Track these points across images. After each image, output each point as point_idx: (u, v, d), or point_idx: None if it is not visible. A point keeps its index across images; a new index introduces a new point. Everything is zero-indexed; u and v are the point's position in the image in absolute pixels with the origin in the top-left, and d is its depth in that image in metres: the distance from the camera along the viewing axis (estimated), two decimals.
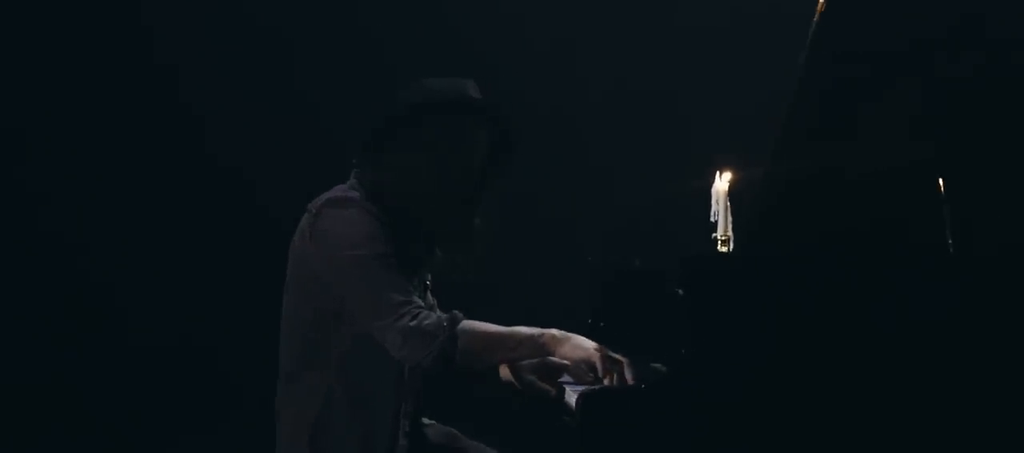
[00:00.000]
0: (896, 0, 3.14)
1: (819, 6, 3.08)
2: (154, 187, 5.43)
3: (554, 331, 3.11)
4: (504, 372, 3.22)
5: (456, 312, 3.07)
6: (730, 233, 3.38)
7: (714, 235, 3.38)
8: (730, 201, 3.38)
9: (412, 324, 2.95)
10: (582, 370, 3.21)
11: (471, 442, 3.41)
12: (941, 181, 3.06)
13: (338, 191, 3.16)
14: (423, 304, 3.06)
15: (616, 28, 5.37)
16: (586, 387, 3.03)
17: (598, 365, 3.06)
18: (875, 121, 3.15)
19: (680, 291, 3.03)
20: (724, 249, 3.38)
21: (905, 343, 2.92)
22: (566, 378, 3.30)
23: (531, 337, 3.08)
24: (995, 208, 3.09)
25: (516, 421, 3.72)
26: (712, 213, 3.39)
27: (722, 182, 3.37)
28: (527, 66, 5.33)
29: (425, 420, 3.38)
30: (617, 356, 3.09)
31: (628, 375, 3.05)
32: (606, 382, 3.03)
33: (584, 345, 3.09)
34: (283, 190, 3.98)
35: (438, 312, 3.08)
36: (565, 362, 3.15)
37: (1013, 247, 3.02)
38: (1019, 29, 3.13)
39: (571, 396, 3.11)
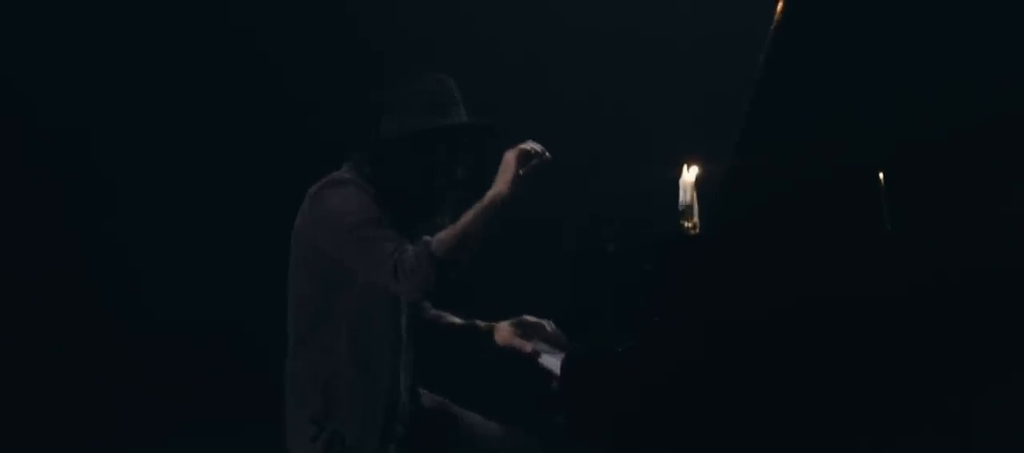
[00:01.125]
0: (849, 5, 3.33)
1: (777, 11, 3.29)
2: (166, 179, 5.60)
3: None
4: (501, 334, 3.51)
5: (424, 238, 3.32)
6: (697, 220, 3.56)
7: (682, 222, 3.55)
8: (697, 191, 3.57)
9: (402, 266, 3.22)
10: (558, 336, 3.52)
11: (460, 409, 3.69)
12: (881, 175, 3.28)
13: (335, 175, 3.47)
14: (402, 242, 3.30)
15: (591, 31, 5.57)
16: (567, 353, 3.32)
17: (521, 158, 3.35)
18: (826, 118, 3.35)
19: (651, 268, 3.31)
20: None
21: (846, 314, 3.16)
22: (542, 345, 3.59)
23: (481, 204, 3.34)
24: (930, 201, 3.29)
25: (500, 391, 3.95)
26: (680, 202, 3.56)
27: (689, 174, 3.57)
28: (502, 61, 5.51)
29: (420, 390, 3.67)
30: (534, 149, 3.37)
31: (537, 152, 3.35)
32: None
33: (506, 164, 3.35)
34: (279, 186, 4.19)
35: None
36: (543, 322, 3.47)
37: (948, 239, 3.23)
38: (964, 33, 3.33)
39: (549, 360, 3.40)
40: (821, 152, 3.34)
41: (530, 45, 5.57)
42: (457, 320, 3.71)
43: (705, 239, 3.48)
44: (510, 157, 3.33)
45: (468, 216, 3.31)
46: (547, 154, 3.35)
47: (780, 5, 3.29)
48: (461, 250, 3.26)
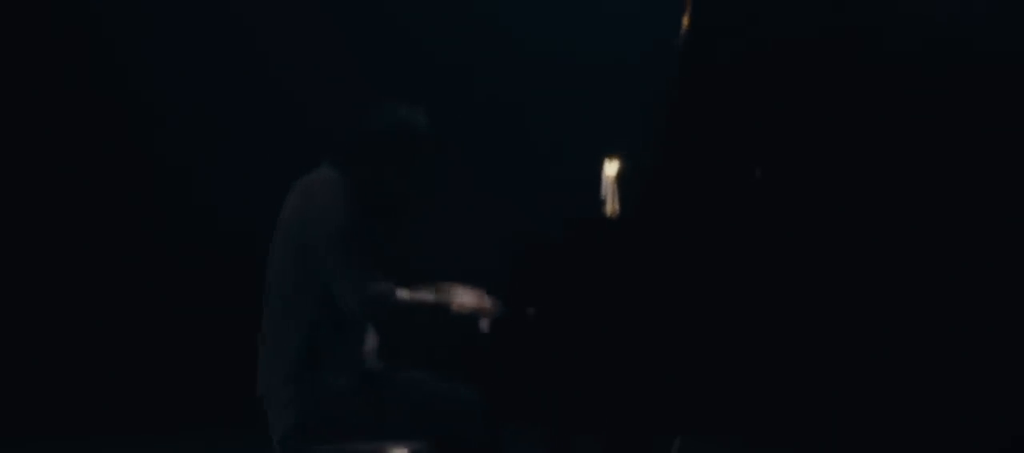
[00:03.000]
0: (746, 23, 3.78)
1: (684, 25, 3.76)
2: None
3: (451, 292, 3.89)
4: (460, 299, 3.94)
5: (392, 285, 3.78)
6: (616, 207, 3.99)
7: (604, 209, 3.99)
8: (616, 181, 3.99)
9: (369, 301, 3.69)
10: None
11: (407, 367, 4.04)
12: (758, 171, 3.73)
13: (325, 174, 3.87)
14: (371, 275, 3.76)
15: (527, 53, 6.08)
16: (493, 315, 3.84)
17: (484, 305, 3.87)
18: (723, 122, 3.80)
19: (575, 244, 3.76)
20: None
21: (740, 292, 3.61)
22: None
23: (438, 295, 3.85)
24: (807, 200, 3.73)
25: (445, 350, 4.28)
26: (602, 192, 4.01)
27: (610, 168, 4.00)
28: (457, 71, 6.00)
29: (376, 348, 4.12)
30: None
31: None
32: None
33: (467, 296, 3.87)
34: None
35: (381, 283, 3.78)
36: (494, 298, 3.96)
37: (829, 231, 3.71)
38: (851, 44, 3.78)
39: (486, 324, 3.88)
40: (719, 148, 3.80)
41: (477, 51, 6.04)
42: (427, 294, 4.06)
43: (622, 220, 3.95)
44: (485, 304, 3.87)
45: (426, 295, 3.86)
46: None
47: (685, 21, 3.79)
48: (408, 312, 3.79)
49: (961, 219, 3.53)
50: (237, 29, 6.16)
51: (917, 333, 3.52)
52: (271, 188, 4.13)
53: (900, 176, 3.55)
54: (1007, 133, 3.82)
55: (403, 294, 3.85)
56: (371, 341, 3.99)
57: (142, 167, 6.11)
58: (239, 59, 6.16)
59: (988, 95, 3.75)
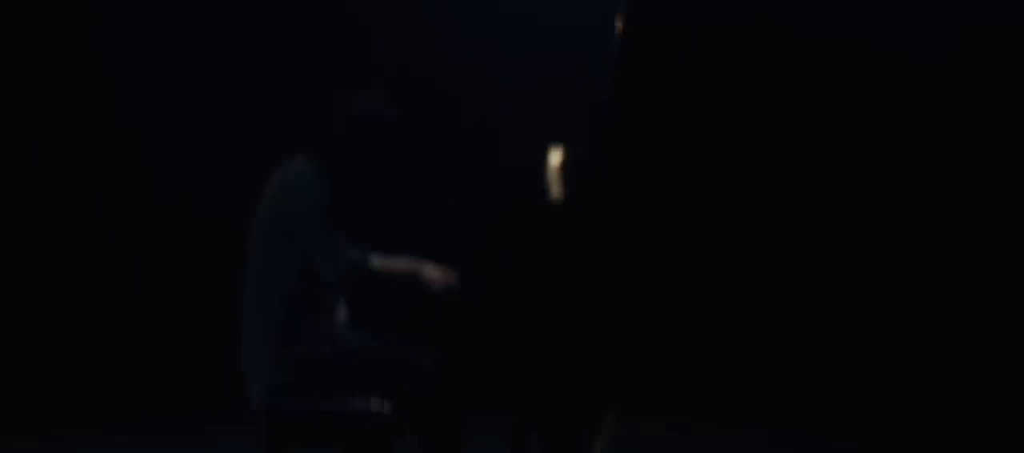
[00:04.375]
0: (680, 32, 4.40)
1: (618, 30, 4.30)
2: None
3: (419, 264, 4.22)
4: (427, 273, 4.21)
5: (368, 253, 4.09)
6: (560, 190, 4.35)
7: (548, 195, 4.36)
8: (561, 169, 4.37)
9: (345, 259, 3.99)
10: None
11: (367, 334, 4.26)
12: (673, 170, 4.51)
13: (298, 164, 4.04)
14: (346, 245, 4.03)
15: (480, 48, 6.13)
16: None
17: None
18: (659, 121, 4.47)
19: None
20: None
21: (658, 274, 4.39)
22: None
23: (408, 265, 4.19)
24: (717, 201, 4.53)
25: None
26: (548, 177, 4.38)
27: (555, 157, 4.38)
28: (416, 60, 6.08)
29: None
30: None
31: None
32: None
33: (433, 273, 4.24)
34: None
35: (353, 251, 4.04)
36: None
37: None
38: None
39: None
40: (655, 139, 4.49)
41: (433, 48, 6.15)
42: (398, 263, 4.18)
43: (566, 204, 4.41)
44: (439, 275, 4.18)
45: (400, 263, 4.14)
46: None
47: (619, 26, 4.38)
48: (378, 277, 4.10)
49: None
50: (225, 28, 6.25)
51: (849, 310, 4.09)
52: (254, 183, 4.24)
53: (828, 161, 4.23)
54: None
55: (376, 261, 4.14)
56: (342, 313, 4.33)
57: (132, 165, 6.24)
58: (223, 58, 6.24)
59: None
